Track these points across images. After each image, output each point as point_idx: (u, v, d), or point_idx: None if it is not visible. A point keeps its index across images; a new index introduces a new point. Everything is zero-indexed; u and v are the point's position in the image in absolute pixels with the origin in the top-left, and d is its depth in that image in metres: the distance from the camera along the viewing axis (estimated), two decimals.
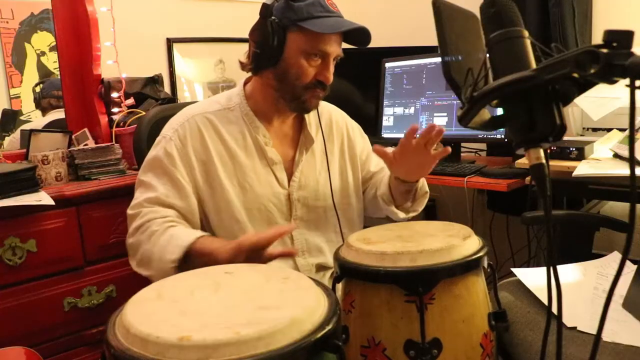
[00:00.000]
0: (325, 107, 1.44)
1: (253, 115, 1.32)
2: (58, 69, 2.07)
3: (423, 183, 1.40)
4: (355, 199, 1.45)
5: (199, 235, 1.15)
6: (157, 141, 1.30)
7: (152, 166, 1.27)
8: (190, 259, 1.12)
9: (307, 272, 1.32)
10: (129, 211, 1.25)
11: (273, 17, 1.20)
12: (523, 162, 1.78)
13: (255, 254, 1.08)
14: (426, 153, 1.20)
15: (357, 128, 1.51)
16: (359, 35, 1.24)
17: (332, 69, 1.26)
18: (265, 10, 1.21)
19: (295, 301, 0.77)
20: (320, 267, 1.37)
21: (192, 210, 1.26)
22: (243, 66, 1.31)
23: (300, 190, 1.35)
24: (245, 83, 1.36)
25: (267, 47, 1.22)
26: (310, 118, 1.38)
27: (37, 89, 2.08)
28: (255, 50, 1.24)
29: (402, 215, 1.41)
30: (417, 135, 1.19)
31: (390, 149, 1.25)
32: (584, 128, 1.98)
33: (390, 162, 1.26)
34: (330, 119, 1.44)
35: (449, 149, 1.22)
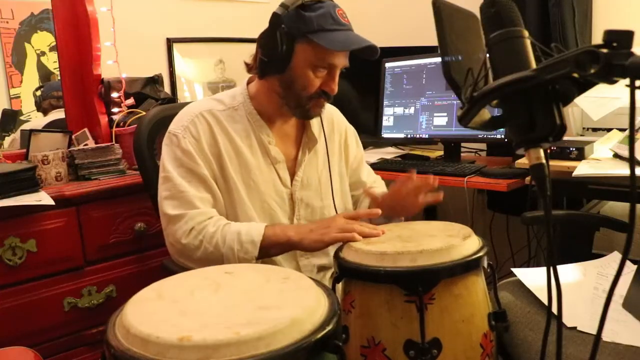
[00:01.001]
0: (328, 108, 1.44)
1: (257, 114, 1.32)
2: (58, 69, 2.07)
3: None
4: (350, 201, 1.47)
5: (264, 227, 1.20)
6: (168, 139, 1.29)
7: (174, 165, 1.26)
8: (267, 251, 1.19)
9: (309, 273, 1.32)
10: (172, 211, 1.22)
11: (283, 26, 1.20)
12: (523, 162, 1.78)
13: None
14: (414, 199, 1.30)
15: (354, 134, 1.52)
16: (368, 51, 1.24)
17: (337, 79, 1.27)
18: (275, 18, 1.21)
19: (296, 301, 0.77)
20: (321, 268, 1.37)
21: (220, 204, 1.27)
22: (249, 68, 1.32)
23: (302, 190, 1.35)
24: (249, 82, 1.36)
25: (274, 56, 1.22)
26: (314, 119, 1.38)
27: (38, 93, 2.09)
28: (262, 57, 1.24)
29: None
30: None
31: (379, 192, 1.31)
32: (584, 128, 1.97)
33: (378, 203, 1.32)
34: (332, 120, 1.45)
35: (440, 196, 1.30)
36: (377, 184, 1.54)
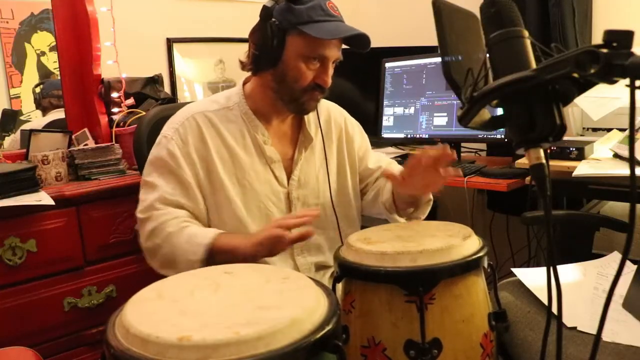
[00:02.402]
0: (324, 104, 1.44)
1: (252, 114, 1.32)
2: (58, 69, 2.07)
3: None
4: (353, 196, 1.45)
5: (217, 233, 1.18)
6: (158, 141, 1.30)
7: (156, 166, 1.27)
8: (213, 257, 1.15)
9: (307, 271, 1.33)
10: (140, 215, 1.25)
11: (273, 19, 1.21)
12: (523, 162, 1.78)
13: (278, 243, 1.12)
14: (435, 173, 1.17)
15: (356, 125, 1.51)
16: (358, 40, 1.24)
17: (330, 72, 1.27)
18: (265, 12, 1.22)
19: (295, 301, 0.77)
20: (320, 266, 1.37)
21: (199, 208, 1.27)
22: (243, 66, 1.32)
23: (299, 188, 1.35)
24: (245, 83, 1.36)
25: (266, 49, 1.22)
26: (309, 116, 1.38)
27: (37, 90, 2.08)
28: (255, 52, 1.25)
29: (403, 220, 1.42)
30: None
31: (397, 170, 1.25)
32: (584, 128, 1.98)
33: (399, 183, 1.25)
34: (328, 117, 1.44)
35: (460, 172, 1.17)
36: (393, 167, 1.50)
